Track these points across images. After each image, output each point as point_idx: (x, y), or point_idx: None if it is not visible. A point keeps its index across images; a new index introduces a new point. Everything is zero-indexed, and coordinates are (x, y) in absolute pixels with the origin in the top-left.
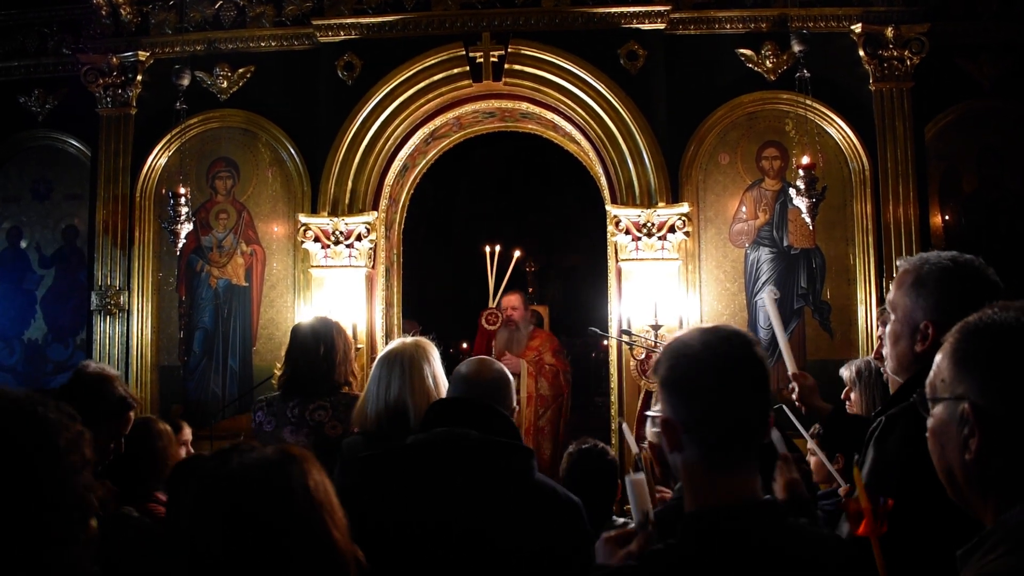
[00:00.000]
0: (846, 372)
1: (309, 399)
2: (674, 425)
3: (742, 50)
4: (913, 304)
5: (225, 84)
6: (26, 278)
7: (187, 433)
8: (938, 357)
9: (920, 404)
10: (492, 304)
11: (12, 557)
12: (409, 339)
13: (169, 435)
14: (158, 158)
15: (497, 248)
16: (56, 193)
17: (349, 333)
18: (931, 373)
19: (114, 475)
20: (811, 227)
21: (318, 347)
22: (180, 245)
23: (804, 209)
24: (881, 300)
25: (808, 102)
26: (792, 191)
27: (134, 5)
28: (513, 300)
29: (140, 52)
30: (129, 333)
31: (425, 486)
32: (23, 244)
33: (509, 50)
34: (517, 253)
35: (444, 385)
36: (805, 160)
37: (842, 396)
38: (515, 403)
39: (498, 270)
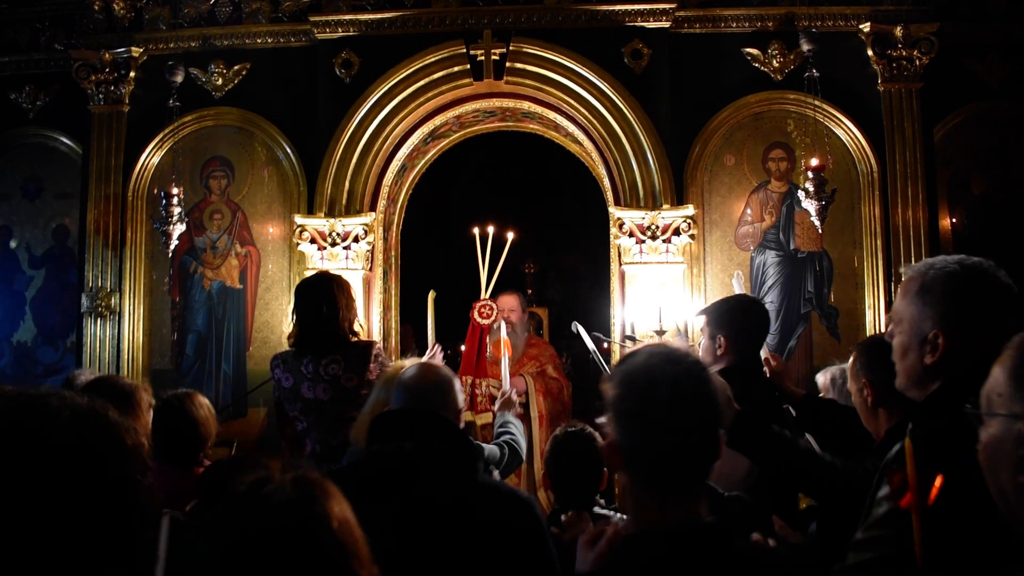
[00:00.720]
0: (821, 378)
1: (321, 355)
2: (617, 448)
3: (748, 49)
4: (920, 313)
5: (220, 81)
6: (15, 279)
7: None
8: (996, 369)
9: (973, 416)
10: (485, 295)
11: (105, 549)
12: (411, 362)
13: (209, 407)
14: (151, 157)
15: (490, 231)
16: (47, 192)
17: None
18: (987, 384)
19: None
20: (820, 230)
21: (320, 305)
22: (172, 246)
23: (813, 212)
24: (890, 303)
25: (816, 103)
26: (801, 194)
27: (127, 0)
28: (511, 301)
29: (133, 48)
30: (120, 336)
31: (364, 504)
32: (12, 244)
33: (511, 48)
34: (511, 235)
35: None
36: (814, 162)
37: None
38: (461, 405)
39: (491, 257)
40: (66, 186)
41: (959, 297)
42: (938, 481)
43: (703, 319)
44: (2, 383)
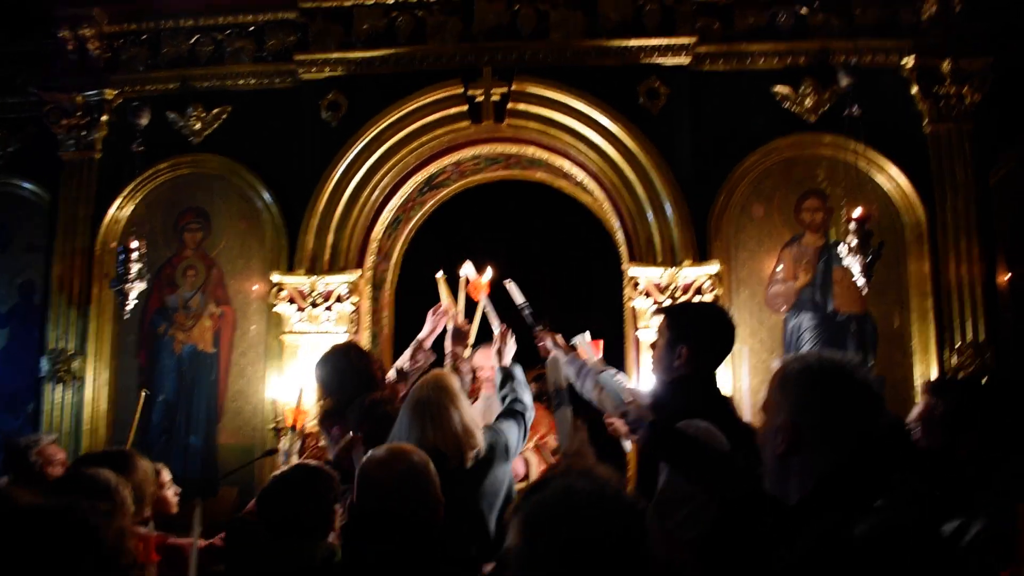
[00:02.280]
0: None
1: (342, 420)
2: None
3: (778, 88)
4: (777, 404)
5: (198, 126)
6: None
7: (165, 475)
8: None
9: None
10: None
11: None
12: (430, 377)
13: (147, 470)
14: (122, 208)
15: (466, 274)
16: (15, 245)
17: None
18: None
19: None
20: (864, 290)
21: (324, 384)
22: (130, 307)
23: (857, 270)
24: (943, 374)
25: (854, 146)
26: (842, 248)
27: (103, 40)
28: (489, 357)
29: (107, 90)
30: (82, 404)
31: None
32: None
33: (512, 88)
34: (489, 274)
35: (472, 418)
36: (857, 212)
37: None
38: (435, 494)
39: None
40: (35, 238)
41: (811, 392)
42: None
43: (661, 320)
44: None
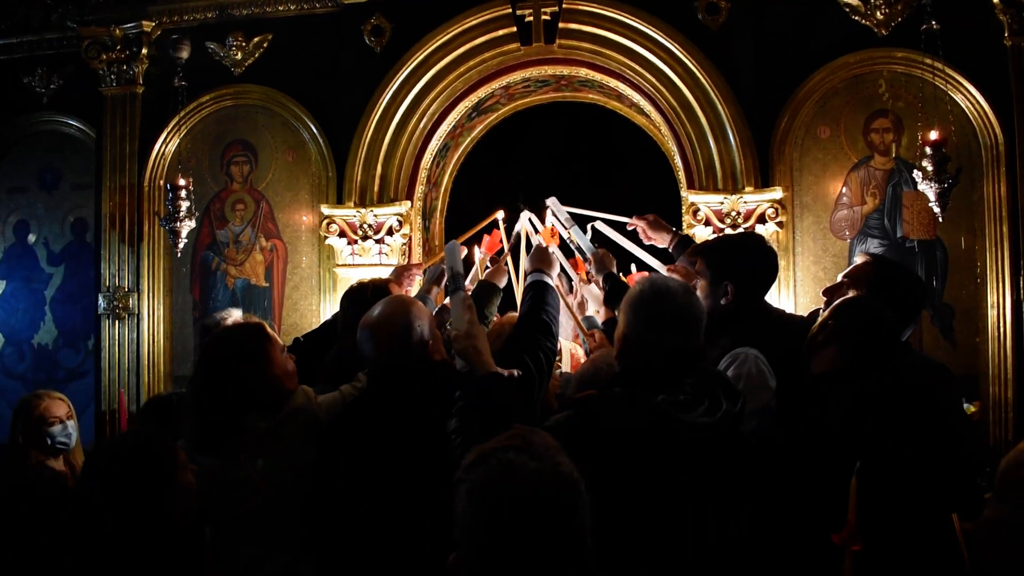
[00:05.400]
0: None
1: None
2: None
3: None
4: (620, 318)
5: (239, 56)
6: (35, 276)
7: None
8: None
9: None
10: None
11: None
12: None
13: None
14: (168, 142)
15: (529, 221)
16: (64, 182)
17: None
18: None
19: None
20: (940, 218)
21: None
22: (181, 245)
23: (932, 197)
24: (1017, 302)
25: (929, 62)
26: (917, 174)
27: None
28: None
29: (145, 22)
30: (140, 339)
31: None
32: (31, 239)
33: (563, 6)
34: (541, 225)
35: None
36: (933, 135)
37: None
38: (424, 335)
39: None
40: (85, 176)
41: (636, 313)
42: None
43: (697, 262)
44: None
